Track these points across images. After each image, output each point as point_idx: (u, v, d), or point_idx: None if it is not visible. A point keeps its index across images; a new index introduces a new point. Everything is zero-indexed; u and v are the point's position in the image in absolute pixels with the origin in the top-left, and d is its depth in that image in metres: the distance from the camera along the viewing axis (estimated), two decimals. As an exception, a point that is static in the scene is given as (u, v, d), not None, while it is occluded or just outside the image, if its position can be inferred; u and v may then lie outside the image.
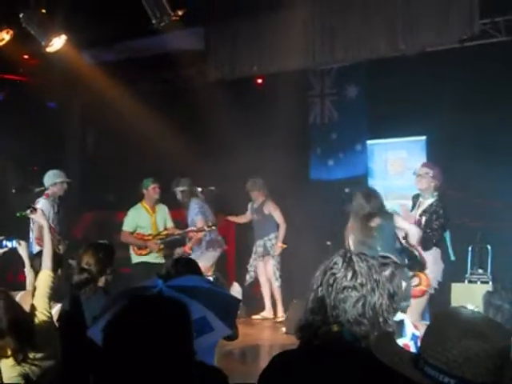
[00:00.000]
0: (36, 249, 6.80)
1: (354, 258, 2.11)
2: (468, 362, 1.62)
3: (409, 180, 7.44)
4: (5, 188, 10.59)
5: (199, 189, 8.84)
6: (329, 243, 8.51)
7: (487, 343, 1.62)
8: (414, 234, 6.22)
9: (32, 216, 4.63)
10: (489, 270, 7.46)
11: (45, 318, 3.80)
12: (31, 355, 3.54)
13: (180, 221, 8.81)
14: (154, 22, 7.78)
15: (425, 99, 8.64)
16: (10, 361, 3.48)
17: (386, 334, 1.99)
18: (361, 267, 2.09)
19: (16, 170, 10.78)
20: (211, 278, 6.31)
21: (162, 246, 8.32)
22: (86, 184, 10.88)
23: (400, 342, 3.00)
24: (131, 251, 8.35)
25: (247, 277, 9.22)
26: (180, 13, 7.76)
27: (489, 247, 7.56)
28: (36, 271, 4.26)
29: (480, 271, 7.50)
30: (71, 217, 9.38)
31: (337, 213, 7.53)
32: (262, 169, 9.09)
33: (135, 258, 8.33)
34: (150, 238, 8.30)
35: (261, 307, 9.22)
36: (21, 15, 7.89)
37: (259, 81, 10.51)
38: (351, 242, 6.24)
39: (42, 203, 7.38)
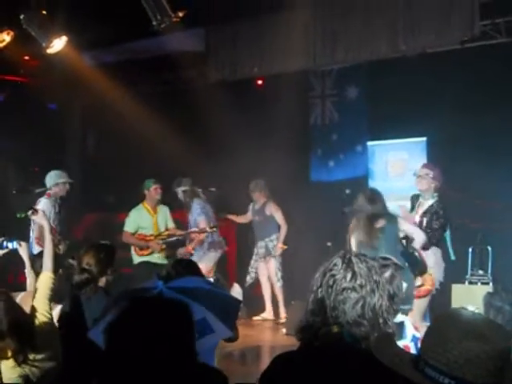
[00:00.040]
0: (36, 249, 6.81)
1: (354, 259, 2.10)
2: (468, 364, 1.61)
3: (409, 181, 7.42)
4: (5, 189, 10.59)
5: (200, 190, 8.84)
6: (329, 244, 8.51)
7: (488, 345, 1.62)
8: (419, 238, 6.20)
9: (33, 217, 4.63)
10: (489, 271, 7.46)
11: (45, 320, 3.79)
12: (31, 356, 3.53)
13: (181, 221, 8.81)
14: (154, 23, 7.77)
15: (425, 100, 8.64)
16: (11, 362, 3.47)
17: (386, 335, 1.98)
18: (360, 268, 2.08)
19: (16, 171, 10.78)
20: (212, 279, 6.31)
21: (163, 246, 8.32)
22: (86, 185, 10.85)
23: (400, 343, 3.00)
24: (132, 252, 8.35)
25: (248, 278, 9.21)
26: (180, 14, 7.75)
27: (489, 248, 7.56)
28: (37, 272, 4.25)
29: (480, 272, 7.50)
30: (72, 218, 9.37)
31: (337, 214, 7.52)
32: (263, 170, 9.08)
33: (137, 259, 8.32)
34: (152, 238, 8.31)
35: (261, 308, 9.21)
36: (21, 16, 7.89)
37: (260, 82, 10.51)
38: (353, 242, 6.23)
39: (43, 203, 7.39)
